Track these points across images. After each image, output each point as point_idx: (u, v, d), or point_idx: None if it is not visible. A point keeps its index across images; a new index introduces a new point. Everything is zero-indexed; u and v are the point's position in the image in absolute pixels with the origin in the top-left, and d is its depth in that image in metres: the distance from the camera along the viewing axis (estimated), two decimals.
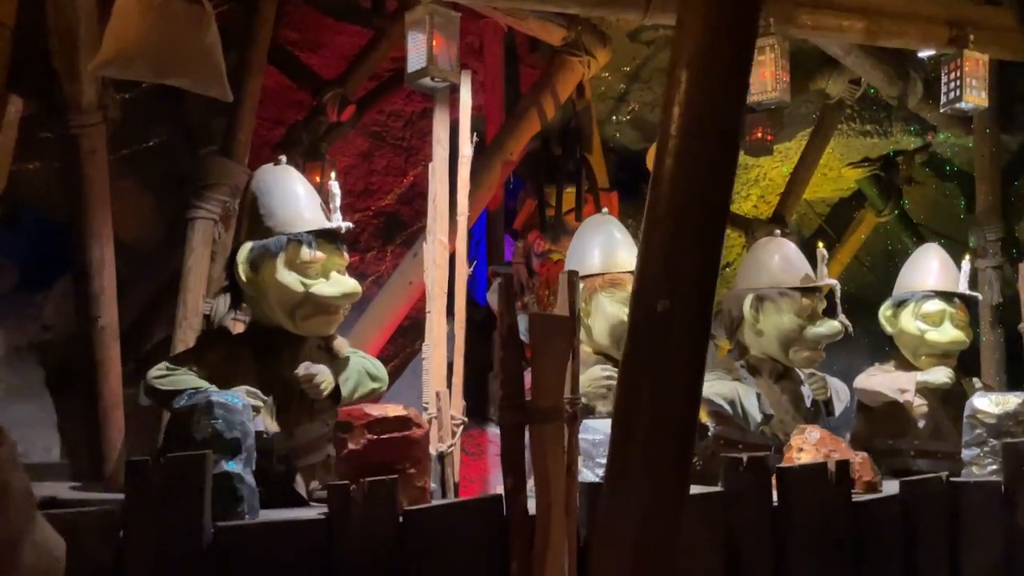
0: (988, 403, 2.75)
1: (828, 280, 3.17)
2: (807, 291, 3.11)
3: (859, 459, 2.64)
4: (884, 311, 3.46)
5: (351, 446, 2.03)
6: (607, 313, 2.95)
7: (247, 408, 1.97)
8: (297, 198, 2.45)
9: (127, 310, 3.28)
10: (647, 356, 1.11)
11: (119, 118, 2.96)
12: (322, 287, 2.38)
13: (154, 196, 3.66)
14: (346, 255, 2.48)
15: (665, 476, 1.09)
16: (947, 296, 3.38)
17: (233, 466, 1.88)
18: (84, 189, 2.81)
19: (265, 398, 2.31)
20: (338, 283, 2.41)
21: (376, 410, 2.08)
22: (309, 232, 2.38)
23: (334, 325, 2.47)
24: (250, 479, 1.92)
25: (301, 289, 2.36)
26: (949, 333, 3.36)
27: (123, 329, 3.14)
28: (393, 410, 2.10)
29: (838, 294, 3.17)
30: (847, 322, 3.11)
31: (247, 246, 2.42)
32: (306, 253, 2.37)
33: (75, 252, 2.88)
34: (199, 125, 3.44)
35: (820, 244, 3.34)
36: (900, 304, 3.43)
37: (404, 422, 2.08)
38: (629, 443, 1.11)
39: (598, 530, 1.17)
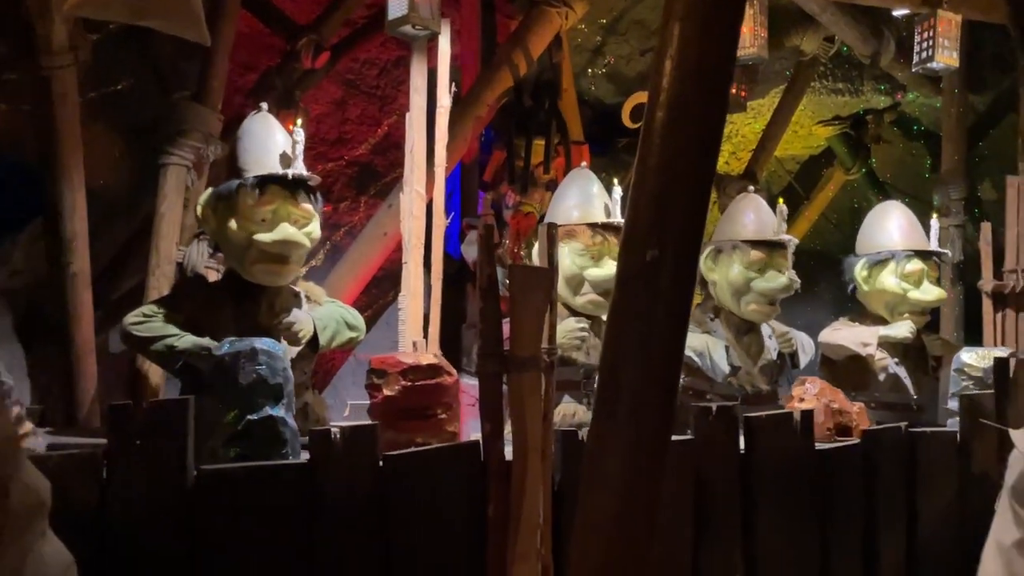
0: (975, 357, 2.85)
1: (784, 236, 3.21)
2: (760, 245, 3.17)
3: (856, 409, 2.76)
4: (860, 271, 3.50)
5: (386, 392, 2.11)
6: (563, 264, 2.98)
7: (287, 355, 2.03)
8: (262, 145, 2.44)
9: (97, 257, 3.24)
10: (636, 304, 1.15)
11: (88, 60, 2.89)
12: (262, 234, 2.37)
13: (124, 141, 3.60)
14: (307, 205, 2.44)
15: (650, 418, 1.14)
16: (924, 255, 3.47)
17: (277, 410, 1.95)
18: (55, 133, 2.75)
19: None
20: (279, 231, 2.38)
21: (409, 358, 2.19)
22: (256, 177, 2.37)
23: (285, 275, 2.45)
24: (292, 423, 1.98)
25: (243, 235, 2.37)
26: (932, 292, 3.46)
27: (93, 275, 3.11)
28: (425, 358, 2.22)
29: (791, 249, 3.21)
30: (795, 278, 3.15)
31: (208, 191, 2.46)
32: (250, 199, 2.36)
33: (46, 197, 2.83)
34: (170, 69, 3.38)
35: (780, 200, 3.38)
36: (878, 263, 3.48)
37: (435, 370, 2.20)
38: (616, 387, 1.15)
39: (586, 469, 1.21)
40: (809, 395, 2.73)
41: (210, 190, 2.46)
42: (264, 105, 2.54)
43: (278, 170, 2.39)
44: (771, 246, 3.17)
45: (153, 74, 3.52)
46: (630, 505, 1.14)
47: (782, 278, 3.13)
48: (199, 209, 2.45)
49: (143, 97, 3.55)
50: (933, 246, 3.50)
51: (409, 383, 2.15)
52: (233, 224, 2.38)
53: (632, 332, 1.14)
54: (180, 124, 3.13)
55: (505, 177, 4.49)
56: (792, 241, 3.23)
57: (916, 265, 3.44)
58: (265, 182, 2.37)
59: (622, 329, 1.16)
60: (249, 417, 1.92)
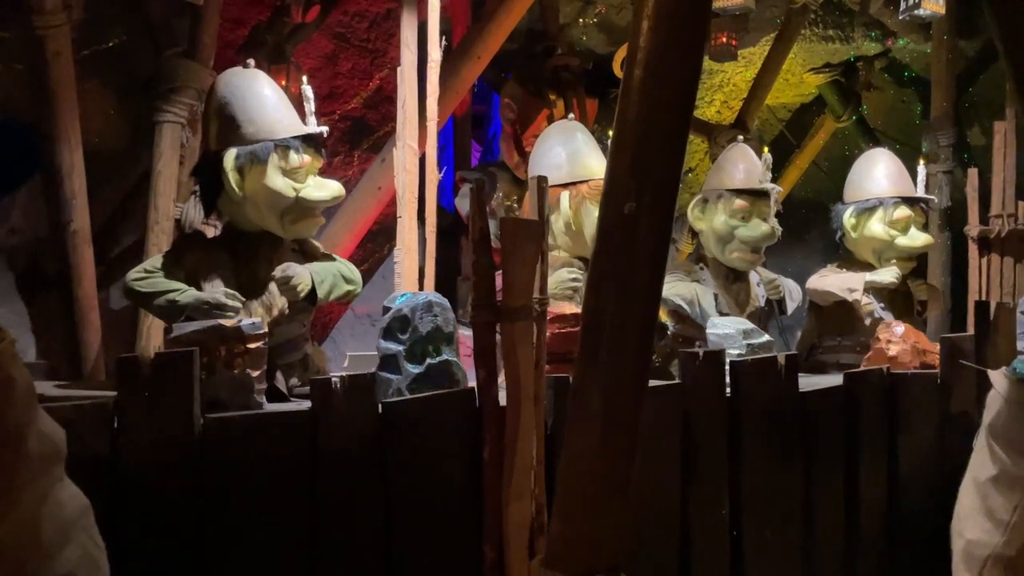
0: None
1: (768, 185, 3.25)
2: (743, 193, 3.22)
3: (939, 348, 2.87)
4: (848, 219, 3.55)
5: None
6: (594, 219, 3.02)
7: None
8: (274, 103, 2.50)
9: (95, 214, 3.28)
10: (615, 255, 1.22)
11: (82, 18, 2.90)
12: (311, 191, 2.47)
13: (117, 98, 3.60)
14: (321, 157, 2.54)
15: (629, 360, 1.21)
16: (911, 201, 3.53)
17: (451, 355, 2.20)
18: (50, 92, 2.78)
19: (243, 299, 2.39)
20: (325, 186, 2.50)
21: (555, 307, 2.42)
22: (297, 138, 2.44)
23: (317, 227, 2.56)
24: (461, 363, 2.22)
25: (292, 194, 2.44)
26: (920, 237, 3.53)
27: (92, 233, 3.16)
28: (569, 308, 2.53)
29: (773, 197, 3.25)
30: (777, 226, 3.21)
31: (232, 152, 2.42)
32: (295, 158, 2.44)
33: (44, 157, 2.87)
34: (161, 25, 3.37)
35: (765, 149, 3.42)
36: (866, 210, 3.54)
37: (578, 318, 2.37)
38: (599, 332, 1.22)
39: (571, 406, 1.29)
40: (896, 337, 2.88)
41: (234, 151, 2.42)
42: (251, 61, 2.56)
43: (303, 127, 2.48)
44: (755, 195, 3.22)
45: (145, 31, 3.51)
46: (611, 439, 1.22)
47: (764, 226, 3.19)
48: (229, 174, 2.41)
49: (135, 54, 3.54)
50: (919, 192, 3.56)
51: (557, 329, 2.35)
52: (282, 183, 2.42)
53: (612, 279, 1.21)
54: (173, 81, 3.15)
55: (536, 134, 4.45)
56: (776, 190, 3.27)
57: (903, 212, 3.49)
58: (305, 141, 2.46)
59: (604, 277, 1.23)
60: (429, 361, 2.15)
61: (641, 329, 1.21)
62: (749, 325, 2.83)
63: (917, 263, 3.67)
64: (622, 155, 1.19)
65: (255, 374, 2.08)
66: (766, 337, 2.77)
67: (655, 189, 1.17)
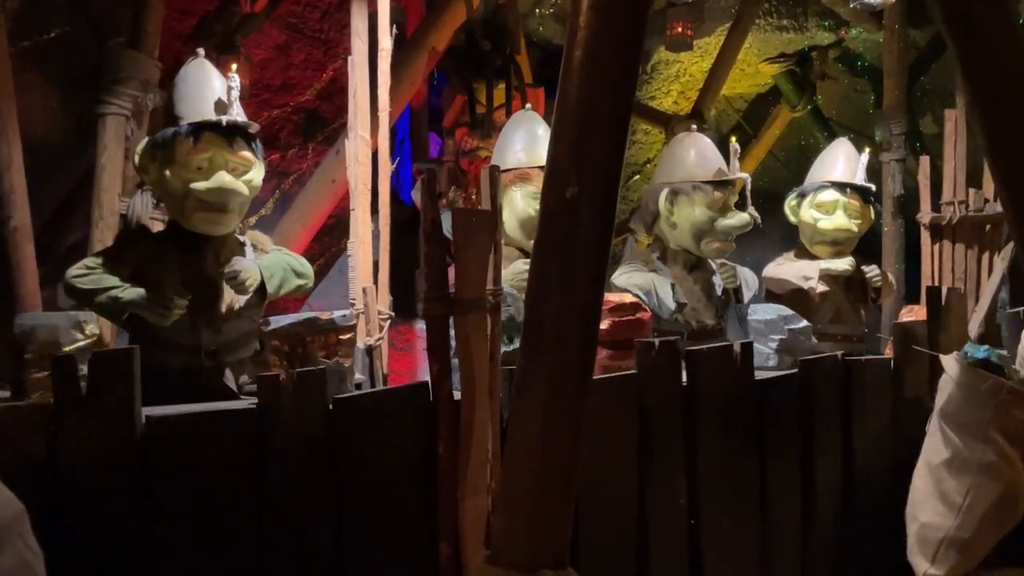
0: None
1: (740, 174, 3.27)
2: (719, 184, 3.22)
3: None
4: (789, 202, 3.62)
5: (600, 326, 2.36)
6: (516, 207, 3.02)
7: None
8: (197, 92, 2.38)
9: (39, 210, 3.18)
10: (557, 240, 1.19)
11: (17, 8, 2.81)
12: (199, 183, 2.33)
13: (60, 91, 3.49)
14: (245, 152, 2.40)
15: (572, 348, 1.19)
16: (841, 187, 3.55)
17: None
18: None
19: (189, 295, 2.33)
20: (215, 179, 2.34)
21: (615, 297, 2.54)
22: (190, 125, 2.33)
23: (224, 224, 2.41)
24: None
25: (180, 184, 2.33)
26: (836, 221, 3.55)
27: (36, 230, 3.07)
28: (628, 298, 2.63)
29: (748, 187, 3.29)
30: (756, 214, 3.23)
31: (145, 140, 2.41)
32: (186, 148, 2.32)
33: None
34: (104, 15, 3.28)
35: (733, 139, 3.43)
36: (802, 195, 3.61)
37: (635, 307, 2.59)
38: (541, 319, 1.20)
39: (514, 397, 1.26)
40: None
41: (147, 139, 2.42)
42: (201, 51, 2.49)
43: (213, 117, 2.35)
44: (727, 184, 3.23)
45: (87, 21, 3.42)
46: (554, 431, 1.19)
47: (744, 215, 3.20)
48: (137, 159, 2.41)
49: (78, 45, 3.44)
50: (859, 179, 3.57)
51: (616, 319, 2.44)
52: (169, 173, 2.35)
53: (554, 266, 1.18)
54: (116, 72, 3.07)
55: (465, 122, 4.47)
56: (748, 178, 3.30)
57: (830, 196, 3.53)
58: (200, 129, 2.33)
59: (545, 264, 1.21)
60: (504, 349, 2.14)
61: (584, 318, 1.18)
62: (788, 311, 2.90)
63: (849, 248, 3.65)
64: (563, 139, 1.16)
65: (347, 362, 2.12)
66: (804, 322, 2.81)
67: (597, 173, 1.15)
